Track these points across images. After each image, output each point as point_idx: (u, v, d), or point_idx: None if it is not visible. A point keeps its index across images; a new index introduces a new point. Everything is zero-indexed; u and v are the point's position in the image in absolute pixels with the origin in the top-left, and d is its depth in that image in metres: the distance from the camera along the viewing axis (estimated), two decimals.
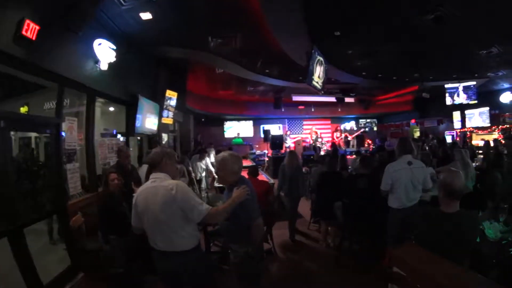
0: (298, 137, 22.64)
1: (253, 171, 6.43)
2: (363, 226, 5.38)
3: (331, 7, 6.91)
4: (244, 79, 13.40)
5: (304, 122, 24.58)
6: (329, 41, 9.07)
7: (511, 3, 6.42)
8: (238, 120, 23.44)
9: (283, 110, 19.67)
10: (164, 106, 11.03)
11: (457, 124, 18.39)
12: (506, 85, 14.95)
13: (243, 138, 23.09)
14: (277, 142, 17.71)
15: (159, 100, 10.64)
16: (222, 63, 10.81)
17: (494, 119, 16.22)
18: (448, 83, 14.57)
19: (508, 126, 15.36)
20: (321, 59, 9.85)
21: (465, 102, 14.61)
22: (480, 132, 16.95)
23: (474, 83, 14.27)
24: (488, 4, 6.52)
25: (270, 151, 18.23)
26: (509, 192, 5.51)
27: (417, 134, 22.48)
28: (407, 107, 21.65)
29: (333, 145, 16.31)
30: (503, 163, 6.96)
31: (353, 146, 21.47)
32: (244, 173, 3.68)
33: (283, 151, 17.15)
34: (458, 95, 14.64)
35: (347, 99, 18.12)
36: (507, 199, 4.62)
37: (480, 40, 8.96)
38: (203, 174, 10.37)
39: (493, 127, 16.13)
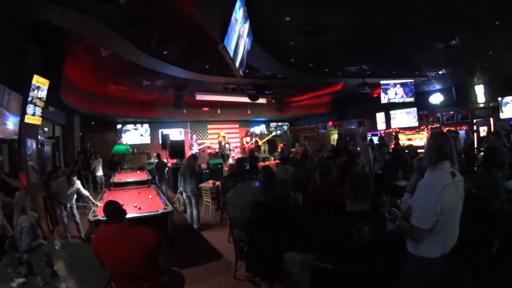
0: (205, 143, 21.11)
1: (114, 211, 3.58)
2: None
3: None
4: (138, 69, 11.15)
5: (209, 126, 22.83)
6: None
7: None
8: (134, 123, 20.65)
9: (185, 111, 17.65)
10: (29, 99, 8.49)
11: (381, 125, 18.75)
12: (438, 87, 15.39)
13: (137, 146, 20.40)
14: (177, 149, 15.86)
15: (22, 89, 8.14)
16: (107, 37, 8.27)
17: (422, 120, 16.87)
18: (384, 80, 14.14)
19: (438, 125, 16.18)
20: (245, 19, 7.40)
21: (400, 100, 14.35)
22: (407, 132, 17.55)
23: (412, 80, 14.11)
24: None
25: (170, 160, 16.30)
26: None
27: (334, 137, 22.83)
28: (323, 109, 21.54)
29: (251, 152, 15.03)
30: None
31: (264, 151, 20.63)
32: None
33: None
34: (395, 93, 14.27)
35: (260, 100, 16.83)
36: None
37: (445, 28, 8.14)
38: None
39: (422, 127, 16.81)
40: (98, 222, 6.01)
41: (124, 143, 19.36)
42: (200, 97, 16.81)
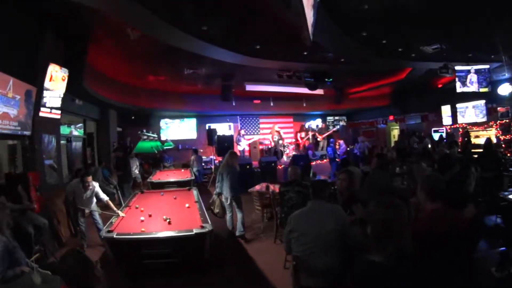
0: (253, 138, 19.66)
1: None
2: None
3: None
4: (176, 54, 9.88)
5: (261, 120, 21.23)
6: None
7: None
8: (178, 117, 19.50)
9: (233, 104, 16.41)
10: (44, 90, 7.45)
11: (446, 120, 16.74)
12: (507, 75, 13.02)
13: (183, 141, 19.34)
14: (225, 145, 14.48)
15: (36, 79, 7.17)
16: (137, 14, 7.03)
17: (490, 114, 14.82)
18: (460, 65, 11.86)
19: (507, 121, 14.01)
20: None
21: (474, 89, 12.16)
22: (475, 128, 15.54)
23: (488, 66, 11.93)
24: None
25: (218, 157, 14.93)
26: None
27: (395, 132, 20.98)
28: (383, 102, 19.56)
29: (306, 149, 13.51)
30: None
31: (322, 148, 18.90)
32: None
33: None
34: (470, 81, 12.05)
35: (316, 91, 15.05)
36: None
37: None
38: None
39: (491, 123, 14.73)
40: (113, 242, 4.65)
41: (166, 138, 18.25)
42: (250, 87, 15.54)
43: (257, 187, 8.92)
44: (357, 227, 3.39)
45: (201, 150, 18.07)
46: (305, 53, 10.62)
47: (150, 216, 5.87)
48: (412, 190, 5.31)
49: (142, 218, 5.64)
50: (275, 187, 8.29)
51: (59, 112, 8.31)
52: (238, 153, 16.75)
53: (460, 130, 15.77)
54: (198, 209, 6.25)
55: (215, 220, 7.19)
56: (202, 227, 4.90)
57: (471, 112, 15.31)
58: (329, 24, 7.77)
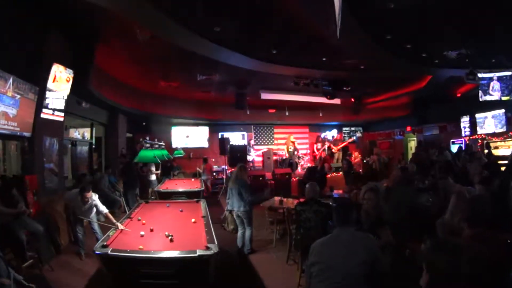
0: (262, 148, 19.39)
1: None
2: None
3: None
4: (189, 58, 9.57)
5: (276, 130, 20.78)
6: None
7: None
8: (190, 125, 19.11)
9: (248, 112, 16.16)
10: (47, 90, 7.13)
11: (465, 131, 16.11)
12: None
13: (193, 150, 18.93)
14: (238, 156, 14.16)
15: (39, 79, 6.90)
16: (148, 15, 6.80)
17: (510, 124, 14.10)
18: (483, 72, 11.17)
19: None
20: None
21: (496, 97, 11.47)
22: (494, 139, 14.83)
23: (510, 73, 11.17)
24: None
25: (229, 167, 14.49)
26: None
27: (412, 144, 20.47)
28: (401, 112, 19.08)
29: (323, 161, 13.11)
30: None
31: (337, 160, 18.37)
32: None
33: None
34: (492, 88, 11.36)
35: (333, 100, 14.55)
36: None
37: None
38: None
39: (510, 133, 14.12)
40: (107, 259, 4.16)
41: (176, 146, 17.81)
42: (265, 96, 15.12)
43: (268, 203, 8.37)
44: (386, 256, 2.93)
45: (213, 160, 17.70)
46: (324, 59, 10.18)
47: (151, 230, 5.36)
48: (440, 207, 4.80)
49: (142, 233, 5.13)
50: (288, 201, 7.83)
51: (63, 114, 7.99)
52: (251, 164, 16.41)
53: (479, 141, 15.15)
54: (205, 225, 5.64)
55: (223, 236, 6.77)
56: (207, 248, 4.30)
57: (490, 122, 14.63)
58: (353, 26, 7.29)
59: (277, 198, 8.45)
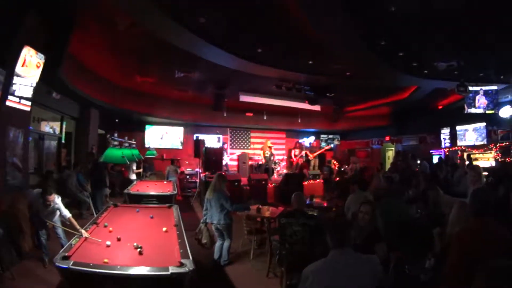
0: (235, 152, 19.50)
1: None
2: None
3: None
4: (167, 51, 9.21)
5: (252, 134, 20.68)
6: None
7: None
8: (165, 124, 18.68)
9: (225, 115, 15.97)
10: (15, 75, 6.52)
11: (445, 143, 16.77)
12: (510, 97, 12.98)
13: (166, 151, 18.46)
14: (213, 159, 13.99)
15: (6, 61, 6.29)
16: None
17: (490, 136, 14.64)
18: (471, 85, 11.57)
19: (507, 143, 13.68)
20: None
21: (481, 111, 12.23)
22: (474, 151, 15.36)
23: (496, 87, 11.85)
24: None
25: (203, 171, 14.10)
26: None
27: (389, 154, 20.87)
28: (380, 122, 19.54)
29: (301, 167, 12.88)
30: None
31: (313, 167, 18.35)
32: None
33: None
34: (478, 102, 12.01)
35: (313, 107, 14.63)
36: None
37: None
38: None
39: (491, 145, 14.53)
40: (67, 273, 3.64)
41: (148, 146, 17.43)
42: (244, 98, 14.94)
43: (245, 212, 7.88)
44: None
45: (187, 162, 17.33)
46: (310, 62, 9.96)
47: (118, 240, 4.81)
48: (429, 218, 4.85)
49: (108, 242, 4.57)
50: (265, 209, 7.59)
51: (30, 103, 7.31)
52: (225, 168, 16.10)
53: (459, 153, 15.48)
54: (178, 235, 5.15)
55: (197, 245, 6.36)
56: (181, 264, 3.83)
57: (471, 135, 15.23)
58: (348, 28, 7.12)
59: (254, 207, 7.98)
